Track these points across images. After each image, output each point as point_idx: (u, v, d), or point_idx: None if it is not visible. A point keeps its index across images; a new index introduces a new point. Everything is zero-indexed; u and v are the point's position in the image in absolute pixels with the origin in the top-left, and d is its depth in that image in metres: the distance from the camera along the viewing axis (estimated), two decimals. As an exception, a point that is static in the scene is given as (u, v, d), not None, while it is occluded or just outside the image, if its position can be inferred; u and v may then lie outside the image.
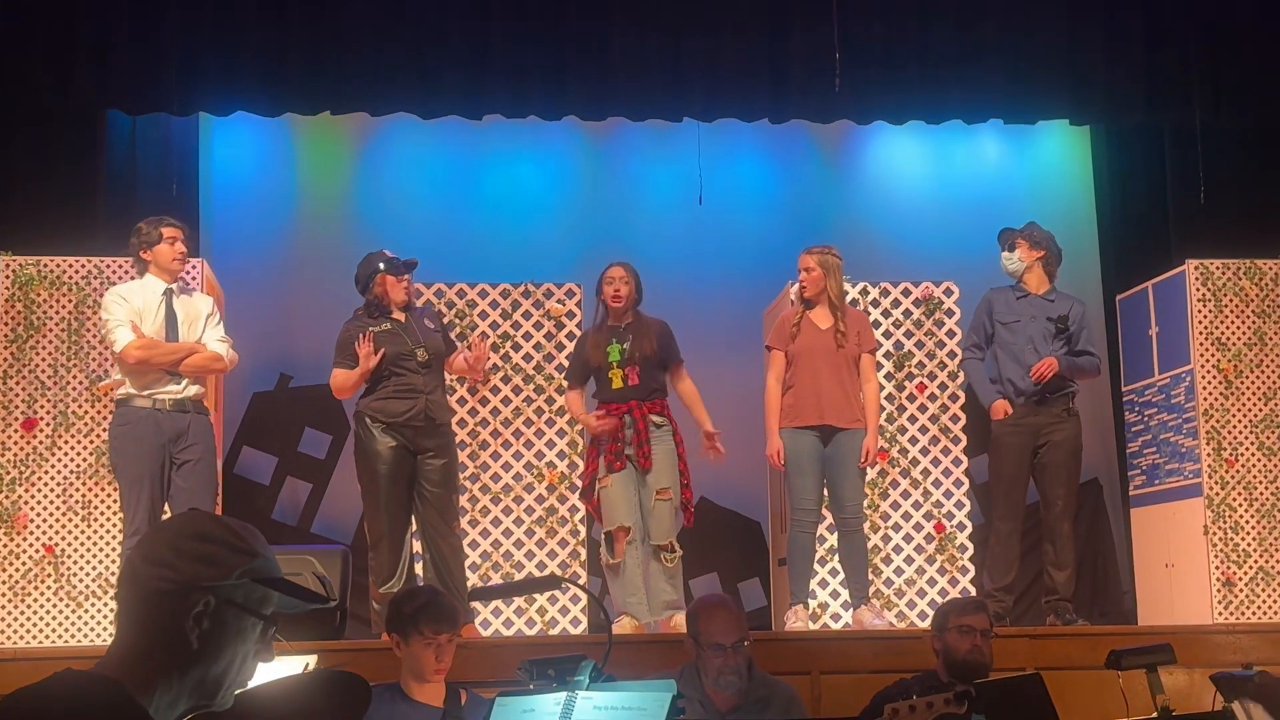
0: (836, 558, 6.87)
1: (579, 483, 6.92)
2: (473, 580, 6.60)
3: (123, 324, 5.82)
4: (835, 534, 6.62)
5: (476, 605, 6.64)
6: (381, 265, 6.06)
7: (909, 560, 7.20)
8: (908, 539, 7.22)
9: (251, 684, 1.94)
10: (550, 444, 7.10)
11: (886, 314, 7.39)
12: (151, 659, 1.81)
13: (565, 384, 6.59)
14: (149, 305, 5.88)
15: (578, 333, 7.16)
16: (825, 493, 6.38)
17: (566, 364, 7.13)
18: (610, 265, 6.32)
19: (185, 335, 5.90)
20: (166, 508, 5.82)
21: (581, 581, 6.89)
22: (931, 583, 7.17)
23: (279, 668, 2.22)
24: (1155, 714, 3.19)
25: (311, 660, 3.59)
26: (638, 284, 6.31)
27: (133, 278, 6.15)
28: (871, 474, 6.97)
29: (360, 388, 6.06)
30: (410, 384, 5.98)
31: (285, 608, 1.92)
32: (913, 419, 7.34)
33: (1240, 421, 7.00)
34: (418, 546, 6.20)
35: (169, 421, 5.80)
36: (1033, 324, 6.58)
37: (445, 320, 6.83)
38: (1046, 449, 6.53)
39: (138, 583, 1.84)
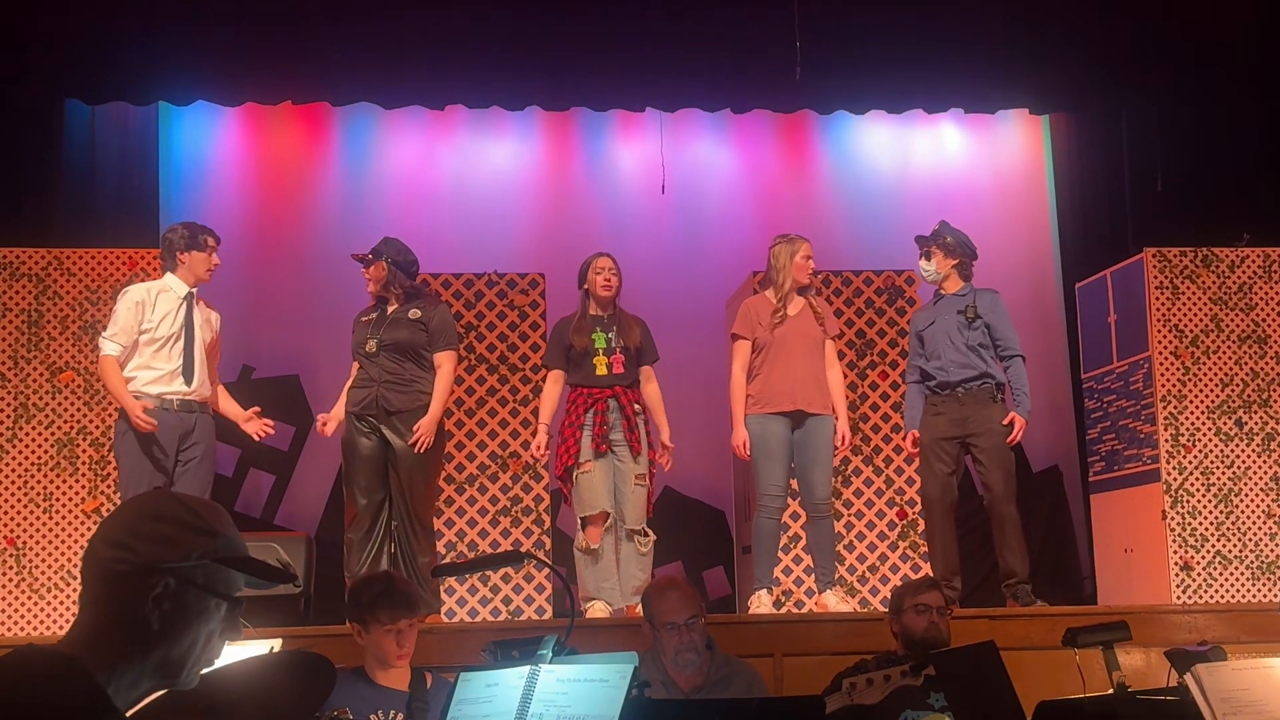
0: (800, 545, 6.91)
1: (543, 473, 6.94)
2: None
3: (116, 335, 5.80)
4: (800, 521, 6.64)
5: (443, 596, 6.64)
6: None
7: (871, 547, 7.24)
8: (870, 526, 7.27)
9: (218, 664, 1.94)
10: (514, 434, 7.11)
11: (849, 302, 7.43)
12: (111, 639, 1.80)
13: (544, 366, 6.50)
14: (170, 307, 5.85)
15: (541, 323, 7.17)
16: (793, 479, 6.39)
17: (530, 354, 7.16)
18: (598, 255, 6.29)
19: (201, 341, 5.90)
20: None
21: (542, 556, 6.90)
22: (894, 569, 7.22)
23: (243, 653, 2.22)
24: (1112, 691, 3.23)
25: (276, 644, 3.59)
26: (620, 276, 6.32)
27: (128, 272, 6.27)
28: (834, 461, 7.00)
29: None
30: (366, 374, 6.01)
31: (250, 587, 1.91)
32: (875, 407, 7.39)
33: (1198, 407, 7.08)
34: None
35: (176, 420, 5.80)
36: (945, 320, 6.49)
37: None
38: (978, 437, 6.34)
39: (98, 564, 1.83)
